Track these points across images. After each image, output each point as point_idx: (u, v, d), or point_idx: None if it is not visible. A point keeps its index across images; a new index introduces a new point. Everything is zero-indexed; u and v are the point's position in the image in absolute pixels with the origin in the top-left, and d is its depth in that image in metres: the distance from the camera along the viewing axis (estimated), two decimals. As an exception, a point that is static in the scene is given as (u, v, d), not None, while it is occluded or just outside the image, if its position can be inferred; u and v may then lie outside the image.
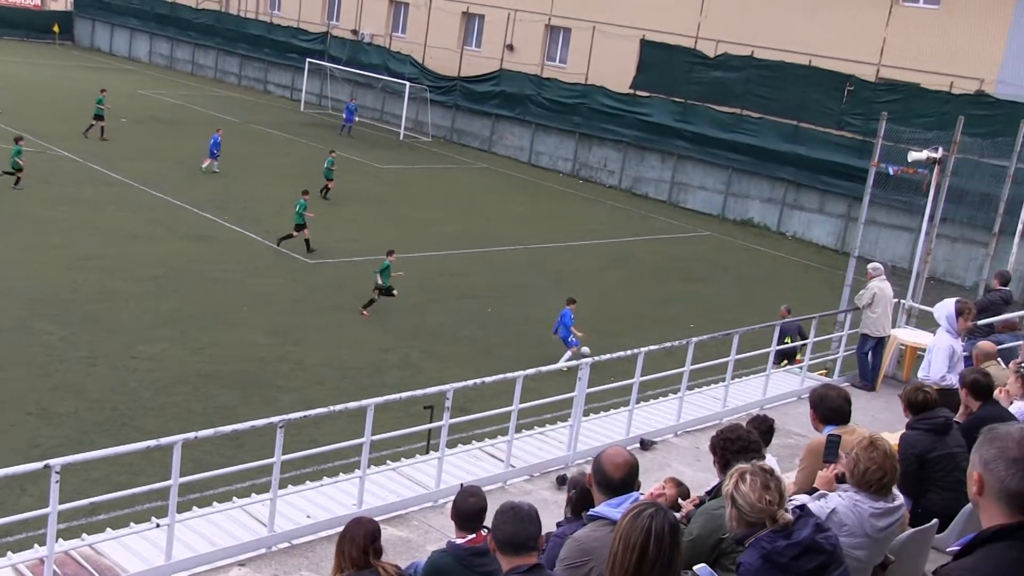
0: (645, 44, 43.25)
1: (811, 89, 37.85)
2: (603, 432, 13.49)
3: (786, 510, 5.05)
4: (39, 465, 7.94)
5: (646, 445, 13.00)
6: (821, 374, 17.49)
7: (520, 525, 5.29)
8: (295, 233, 26.87)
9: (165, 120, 45.91)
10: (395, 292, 23.01)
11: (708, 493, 6.72)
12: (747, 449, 6.49)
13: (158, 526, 9.03)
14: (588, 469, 6.07)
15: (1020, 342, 13.90)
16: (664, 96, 42.50)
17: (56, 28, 73.35)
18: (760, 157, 39.19)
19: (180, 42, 67.54)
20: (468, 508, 6.29)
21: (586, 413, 13.04)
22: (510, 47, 49.17)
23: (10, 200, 28.47)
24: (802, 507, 5.29)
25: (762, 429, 8.33)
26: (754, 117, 39.59)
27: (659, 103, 42.61)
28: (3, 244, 24.43)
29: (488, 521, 5.89)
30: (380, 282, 22.88)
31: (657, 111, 42.58)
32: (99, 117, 38.94)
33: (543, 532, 5.64)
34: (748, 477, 5.02)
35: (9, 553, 9.12)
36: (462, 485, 8.81)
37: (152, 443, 8.82)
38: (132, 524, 9.56)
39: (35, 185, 30.64)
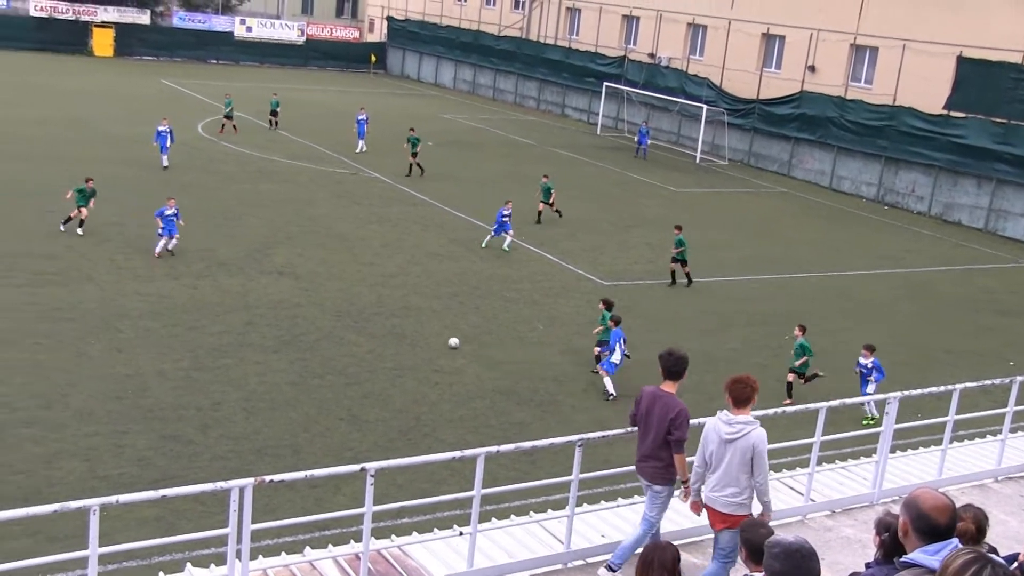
0: (962, 61, 40.66)
1: None
2: (911, 471, 12.69)
3: None
4: (356, 468, 8.38)
5: None
6: None
7: (790, 562, 5.08)
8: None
9: (466, 143, 47.86)
10: None
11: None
12: None
13: (461, 534, 9.34)
14: (895, 510, 5.69)
15: None
16: (982, 116, 39.79)
17: (372, 58, 78.48)
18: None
19: (482, 68, 70.41)
20: (758, 540, 6.16)
21: (892, 450, 12.32)
22: (812, 68, 47.71)
23: (324, 220, 30.56)
24: None
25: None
26: (1087, 139, 36.32)
27: (976, 124, 39.94)
28: (317, 260, 26.22)
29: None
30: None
31: (974, 133, 39.94)
32: (228, 117, 43.76)
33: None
34: None
35: (330, 546, 9.70)
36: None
37: (457, 454, 9.15)
38: (435, 530, 9.88)
39: (347, 205, 32.75)
